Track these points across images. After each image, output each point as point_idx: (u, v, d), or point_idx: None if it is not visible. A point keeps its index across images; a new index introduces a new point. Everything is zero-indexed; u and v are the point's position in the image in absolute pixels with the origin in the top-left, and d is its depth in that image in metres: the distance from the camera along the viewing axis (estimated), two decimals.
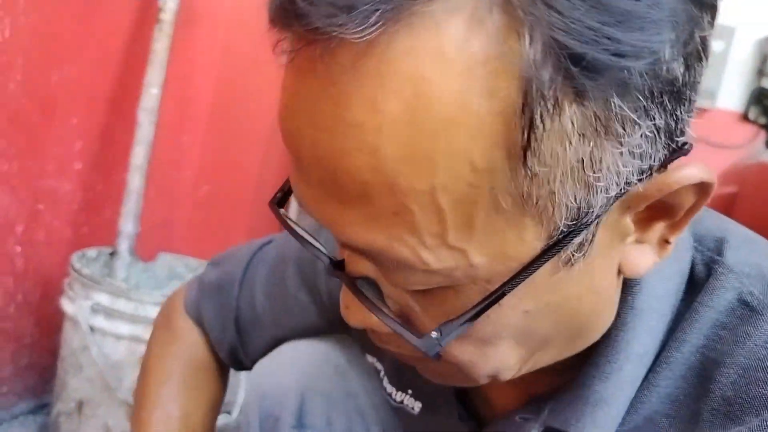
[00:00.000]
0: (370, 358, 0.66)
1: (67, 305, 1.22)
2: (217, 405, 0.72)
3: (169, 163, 1.60)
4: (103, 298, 1.18)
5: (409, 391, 0.61)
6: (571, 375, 0.45)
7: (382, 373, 0.64)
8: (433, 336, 0.35)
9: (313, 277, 0.64)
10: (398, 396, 0.62)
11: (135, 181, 1.33)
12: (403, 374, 0.61)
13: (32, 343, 1.38)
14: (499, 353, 0.39)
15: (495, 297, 0.34)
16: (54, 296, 1.30)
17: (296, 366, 0.68)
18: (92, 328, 1.19)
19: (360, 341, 0.66)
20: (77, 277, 1.21)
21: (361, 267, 0.36)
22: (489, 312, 0.35)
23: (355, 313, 0.38)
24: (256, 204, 2.07)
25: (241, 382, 1.29)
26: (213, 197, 1.79)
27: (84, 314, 1.18)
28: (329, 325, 0.67)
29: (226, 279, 0.70)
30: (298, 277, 0.66)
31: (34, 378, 1.40)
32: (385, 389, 0.63)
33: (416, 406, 0.60)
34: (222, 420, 1.26)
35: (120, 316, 1.18)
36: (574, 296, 0.37)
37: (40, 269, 1.35)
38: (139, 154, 1.33)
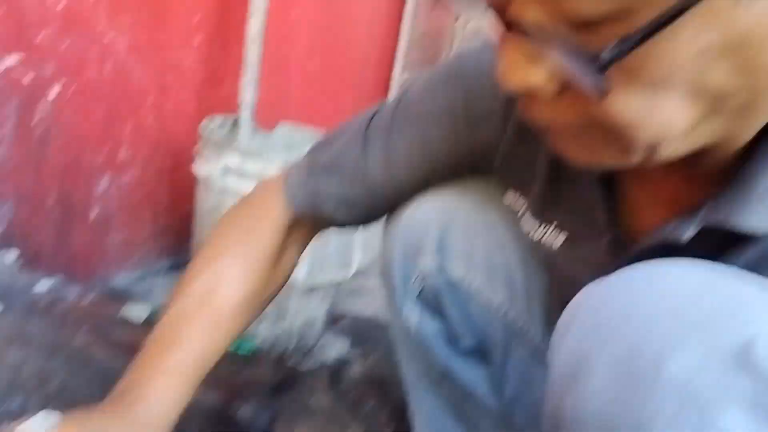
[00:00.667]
0: (509, 199, 0.66)
1: (199, 168, 1.31)
2: (271, 287, 0.73)
3: (281, 37, 1.63)
4: (232, 160, 1.25)
5: (555, 222, 0.60)
6: (724, 185, 0.44)
7: (520, 213, 0.64)
8: (604, 55, 0.34)
9: (453, 119, 0.64)
10: (538, 232, 0.61)
11: (252, 51, 1.37)
12: (549, 204, 0.60)
13: (168, 206, 1.49)
14: (666, 108, 0.37)
15: (675, 13, 0.32)
16: (185, 163, 1.38)
17: (436, 202, 0.69)
18: (223, 189, 1.27)
19: (504, 174, 0.65)
20: (207, 141, 1.28)
21: (530, 12, 0.36)
22: (662, 44, 0.33)
23: (518, 69, 0.38)
24: (362, 75, 2.09)
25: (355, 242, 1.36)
26: (324, 69, 1.82)
27: (215, 176, 1.26)
28: (470, 165, 0.67)
29: (345, 151, 0.70)
30: (435, 126, 0.65)
31: (172, 239, 1.53)
32: (522, 229, 0.64)
33: (559, 240, 0.59)
34: (273, 331, 1.32)
35: (249, 176, 1.24)
36: (755, 40, 0.35)
37: (171, 138, 1.44)
38: (254, 26, 1.36)
